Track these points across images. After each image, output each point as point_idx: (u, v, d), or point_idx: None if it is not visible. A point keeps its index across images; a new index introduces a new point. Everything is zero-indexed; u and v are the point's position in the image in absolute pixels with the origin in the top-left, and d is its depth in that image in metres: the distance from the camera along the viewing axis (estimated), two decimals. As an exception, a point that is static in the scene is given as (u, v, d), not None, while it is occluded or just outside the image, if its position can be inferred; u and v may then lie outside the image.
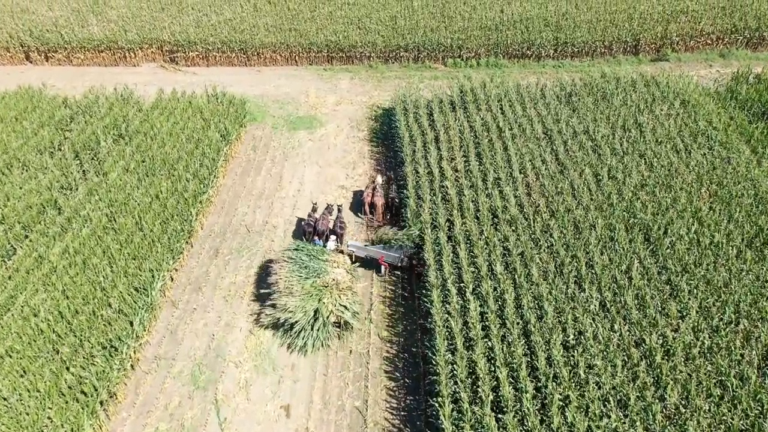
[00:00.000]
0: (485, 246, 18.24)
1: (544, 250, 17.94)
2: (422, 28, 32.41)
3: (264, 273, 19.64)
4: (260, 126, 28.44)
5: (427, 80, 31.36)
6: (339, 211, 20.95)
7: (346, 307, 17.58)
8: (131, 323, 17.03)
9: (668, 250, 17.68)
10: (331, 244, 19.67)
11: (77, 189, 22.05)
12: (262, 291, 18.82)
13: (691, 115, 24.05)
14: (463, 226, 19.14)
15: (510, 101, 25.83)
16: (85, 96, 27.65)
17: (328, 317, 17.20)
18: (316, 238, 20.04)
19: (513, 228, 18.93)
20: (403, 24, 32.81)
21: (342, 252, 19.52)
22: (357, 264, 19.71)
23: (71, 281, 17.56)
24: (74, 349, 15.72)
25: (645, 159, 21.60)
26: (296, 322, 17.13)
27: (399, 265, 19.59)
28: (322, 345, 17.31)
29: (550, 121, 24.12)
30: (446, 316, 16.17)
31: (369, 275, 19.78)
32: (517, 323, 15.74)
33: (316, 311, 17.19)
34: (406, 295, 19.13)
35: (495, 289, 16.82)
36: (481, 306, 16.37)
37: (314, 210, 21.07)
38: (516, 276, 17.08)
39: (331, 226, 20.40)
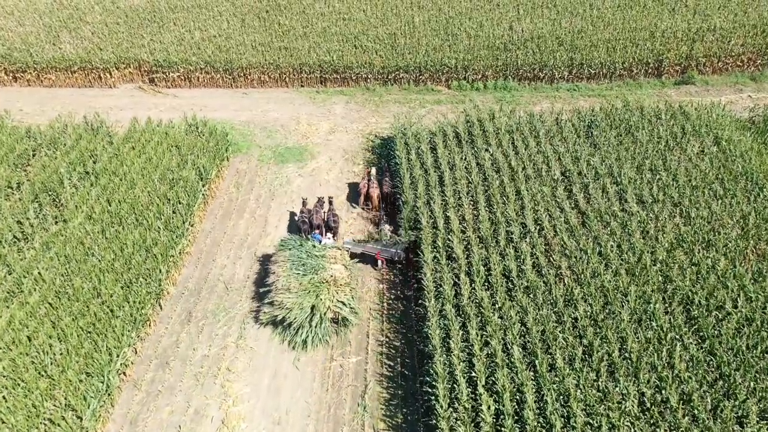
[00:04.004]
0: (499, 321, 15.54)
1: (569, 329, 15.24)
2: (424, 47, 29.68)
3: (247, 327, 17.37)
4: (245, 158, 25.74)
5: (429, 105, 28.64)
6: (330, 203, 20.90)
7: (344, 303, 17.39)
8: (80, 418, 14.36)
9: (713, 330, 14.99)
10: (328, 241, 19.54)
11: (33, 239, 19.41)
12: (261, 289, 18.52)
13: (726, 153, 21.32)
14: (473, 294, 16.46)
15: (522, 135, 23.12)
16: (50, 125, 24.95)
17: (325, 313, 16.99)
18: (316, 232, 19.99)
19: (531, 296, 16.24)
20: (404, 42, 30.07)
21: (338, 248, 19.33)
22: (355, 260, 19.48)
23: (11, 365, 14.87)
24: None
25: (680, 208, 18.89)
26: (294, 319, 16.89)
27: (395, 259, 19.43)
28: (321, 342, 17.07)
29: (568, 159, 21.41)
30: (454, 415, 13.51)
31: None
32: (541, 430, 13.06)
33: (313, 307, 16.99)
34: (407, 373, 16.46)
35: (512, 380, 14.14)
36: (496, 402, 13.72)
37: (305, 204, 20.84)
38: (537, 362, 14.39)
39: (324, 218, 20.41)
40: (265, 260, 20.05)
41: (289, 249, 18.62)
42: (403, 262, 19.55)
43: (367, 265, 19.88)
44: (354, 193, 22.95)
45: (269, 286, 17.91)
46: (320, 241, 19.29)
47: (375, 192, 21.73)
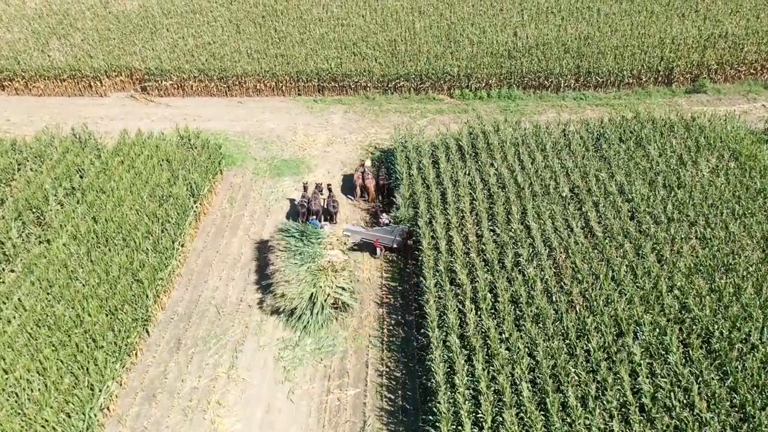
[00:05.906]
0: (507, 354, 14.55)
1: (581, 365, 14.23)
2: (425, 55, 28.67)
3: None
4: (239, 171, 24.75)
5: (431, 114, 27.63)
6: (330, 190, 21.42)
7: (343, 288, 17.77)
8: (57, 462, 13.40)
9: (736, 364, 13.99)
10: (327, 226, 20.12)
11: (15, 261, 18.48)
12: (263, 282, 18.82)
13: (744, 168, 20.31)
14: (478, 323, 15.47)
15: (529, 148, 22.12)
16: (37, 138, 23.98)
17: (326, 300, 17.42)
18: (313, 218, 20.38)
19: (541, 326, 15.26)
20: (404, 49, 29.06)
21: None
22: (351, 243, 19.61)
23: (-15, 403, 13.91)
24: None
25: (697, 229, 17.88)
26: (296, 308, 17.36)
27: (394, 246, 19.64)
28: (322, 326, 17.35)
29: (577, 175, 20.43)
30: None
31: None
32: (553, 478, 12.11)
33: (312, 295, 17.36)
34: (409, 408, 15.47)
35: (521, 419, 13.18)
36: (503, 446, 12.76)
37: (305, 189, 21.43)
38: (548, 400, 13.41)
39: (324, 204, 20.82)
40: (261, 281, 19.08)
41: (287, 236, 18.86)
42: (401, 249, 19.79)
43: (365, 252, 20.14)
44: (349, 186, 23.12)
45: (269, 275, 18.14)
46: (321, 227, 19.65)
47: (371, 183, 22.01)
